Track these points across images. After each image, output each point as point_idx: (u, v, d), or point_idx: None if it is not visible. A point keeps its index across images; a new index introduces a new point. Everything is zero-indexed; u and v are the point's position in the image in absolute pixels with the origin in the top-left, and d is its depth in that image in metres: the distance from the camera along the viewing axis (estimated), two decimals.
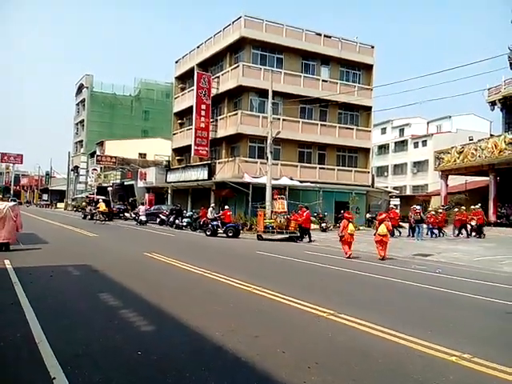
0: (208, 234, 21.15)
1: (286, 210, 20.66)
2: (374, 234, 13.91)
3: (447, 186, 32.31)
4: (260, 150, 29.54)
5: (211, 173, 31.00)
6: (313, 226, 22.90)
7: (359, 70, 33.66)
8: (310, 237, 19.25)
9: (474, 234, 22.11)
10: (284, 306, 6.72)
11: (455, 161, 29.59)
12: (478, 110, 77.02)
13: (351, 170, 32.87)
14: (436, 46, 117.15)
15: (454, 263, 13.22)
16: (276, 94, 27.94)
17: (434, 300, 7.93)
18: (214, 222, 21.37)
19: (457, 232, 22.64)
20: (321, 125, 31.67)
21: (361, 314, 6.18)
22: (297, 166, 30.72)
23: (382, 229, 13.36)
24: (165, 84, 64.16)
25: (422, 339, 5.10)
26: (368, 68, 33.69)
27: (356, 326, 5.62)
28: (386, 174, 52.91)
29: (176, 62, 39.58)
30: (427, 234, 21.92)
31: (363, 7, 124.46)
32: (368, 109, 33.37)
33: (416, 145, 49.42)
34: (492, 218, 26.88)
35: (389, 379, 4.01)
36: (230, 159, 30.08)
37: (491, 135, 31.56)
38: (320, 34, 32.08)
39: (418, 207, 21.27)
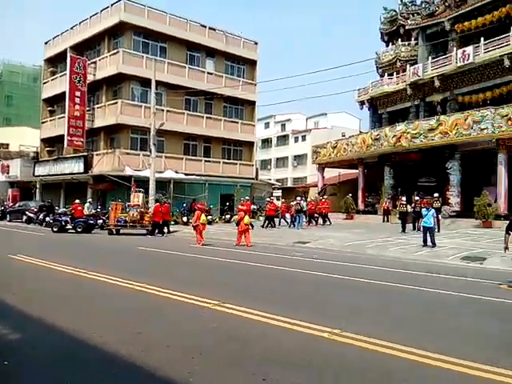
0: (55, 230, 19.66)
1: (140, 203, 20.42)
2: (237, 224, 15.35)
3: (323, 178, 34.90)
4: (143, 142, 28.34)
5: (88, 166, 28.83)
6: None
7: (244, 65, 34.32)
8: (168, 229, 19.55)
9: (322, 222, 23.60)
10: (169, 300, 6.48)
11: (330, 155, 32.07)
12: (351, 108, 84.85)
13: (236, 163, 33.48)
14: (322, 44, 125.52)
15: (329, 249, 14.33)
16: (159, 83, 27.01)
17: (310, 284, 8.45)
18: (63, 217, 20.06)
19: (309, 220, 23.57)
20: (206, 117, 31.58)
21: (245, 302, 6.23)
22: (182, 159, 30.21)
23: (247, 219, 14.90)
24: (32, 67, 57.53)
25: (300, 320, 5.30)
26: (252, 63, 34.55)
27: (240, 314, 5.64)
28: (269, 166, 55.18)
29: (46, 43, 35.76)
30: (307, 222, 23.12)
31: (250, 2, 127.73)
32: (252, 103, 34.27)
33: (296, 139, 52.44)
34: (361, 206, 29.82)
35: (266, 362, 4.05)
36: (110, 151, 28.30)
37: (360, 132, 34.88)
38: (205, 26, 31.86)
39: (298, 198, 22.51)
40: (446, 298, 7.34)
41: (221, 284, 8.20)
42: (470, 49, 26.16)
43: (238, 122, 33.48)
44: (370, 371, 3.91)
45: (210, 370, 3.85)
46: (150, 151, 23.22)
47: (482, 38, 25.61)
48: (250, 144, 34.79)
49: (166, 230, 19.38)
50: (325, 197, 27.90)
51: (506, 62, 24.11)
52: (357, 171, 31.73)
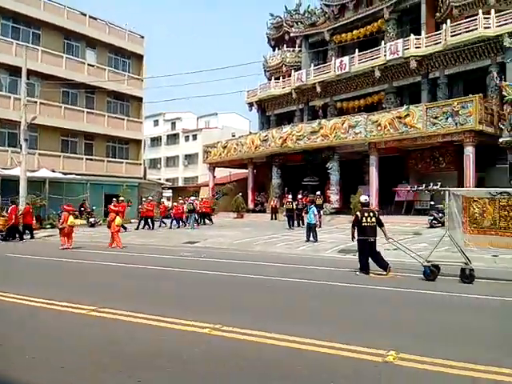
0: None
1: None
2: (109, 227, 14.92)
3: (214, 177, 34.95)
4: (12, 137, 25.23)
5: None
6: (79, 221, 21.01)
7: (129, 59, 32.69)
8: (31, 234, 18.11)
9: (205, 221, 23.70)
10: (43, 310, 5.83)
11: (221, 154, 32.21)
12: (242, 109, 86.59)
13: (122, 162, 31.77)
14: (217, 44, 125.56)
15: (218, 247, 14.26)
16: (32, 73, 24.33)
17: (196, 281, 8.26)
18: None
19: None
20: (87, 112, 29.35)
21: (124, 305, 5.91)
22: (59, 157, 27.65)
23: (118, 220, 14.70)
24: None
25: (174, 318, 5.25)
26: (139, 58, 33.07)
27: (118, 318, 5.38)
28: (159, 166, 53.62)
29: None
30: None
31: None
32: (139, 99, 32.82)
33: (187, 138, 51.79)
34: (251, 205, 30.51)
35: (135, 361, 3.97)
36: None
37: (250, 132, 35.68)
38: (85, 15, 29.61)
39: (193, 198, 22.09)
40: (316, 286, 7.85)
41: (96, 287, 7.56)
42: (346, 59, 28.47)
43: (123, 119, 31.76)
44: (241, 360, 3.95)
45: (76, 378, 3.59)
46: (21, 147, 20.72)
47: (357, 50, 28.10)
48: (137, 142, 33.29)
49: (29, 234, 17.82)
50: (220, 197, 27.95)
51: (377, 73, 26.76)
52: (247, 171, 32.38)
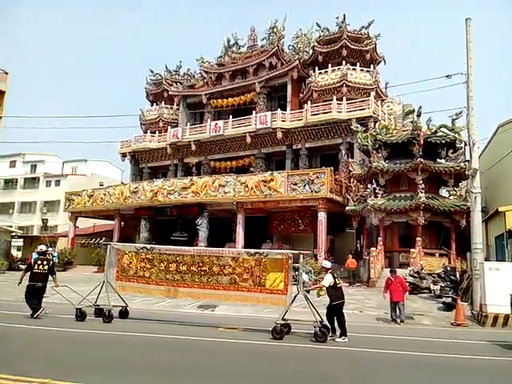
0: None
1: None
2: None
3: (76, 227, 32.40)
4: None
5: None
6: None
7: None
8: None
9: None
10: None
11: (85, 203, 30.21)
12: (115, 158, 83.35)
13: None
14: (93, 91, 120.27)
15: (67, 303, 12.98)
16: None
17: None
18: None
19: None
20: None
21: None
22: None
23: None
24: None
25: None
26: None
27: None
28: (11, 211, 47.64)
29: None
30: None
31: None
32: None
33: (49, 183, 47.50)
34: None
35: None
36: None
37: (122, 183, 34.48)
38: None
39: (51, 249, 19.96)
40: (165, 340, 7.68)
41: None
42: (221, 122, 30.22)
43: None
44: None
45: None
46: None
47: (231, 116, 30.12)
48: None
49: None
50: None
51: (248, 139, 28.87)
52: (113, 222, 30.81)
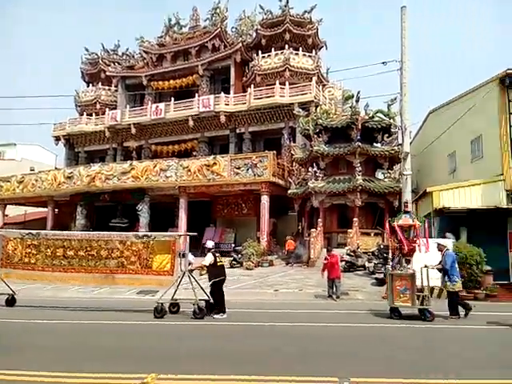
0: None
1: None
2: None
3: (5, 216, 30.29)
4: None
5: None
6: None
7: None
8: None
9: None
10: None
11: (15, 190, 28.24)
12: (47, 141, 78.51)
13: None
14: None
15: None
16: None
17: None
18: None
19: None
20: None
21: None
22: None
23: None
24: None
25: None
26: None
27: None
28: None
29: None
30: None
31: None
32: None
33: None
34: None
35: None
36: None
37: (56, 168, 32.55)
38: None
39: None
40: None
41: None
42: (162, 105, 29.35)
43: None
44: None
45: None
46: None
47: (173, 98, 29.30)
48: None
49: None
50: None
51: (191, 123, 28.32)
52: (46, 210, 29.11)
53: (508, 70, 14.49)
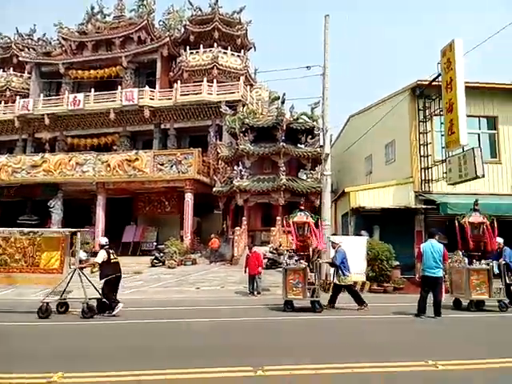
0: None
1: None
2: None
3: None
4: None
5: None
6: None
7: None
8: None
9: None
10: None
11: None
12: None
13: None
14: None
15: None
16: None
17: None
18: None
19: None
20: None
21: None
22: None
23: None
24: None
25: None
26: None
27: None
28: None
29: None
30: None
31: None
32: None
33: None
34: None
35: None
36: None
37: None
38: None
39: None
40: None
41: None
42: (81, 96, 27.56)
43: None
44: None
45: None
46: None
47: (94, 89, 27.67)
48: None
49: None
50: None
51: (112, 116, 26.93)
52: None
53: (418, 80, 15.63)
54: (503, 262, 9.31)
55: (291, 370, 4.46)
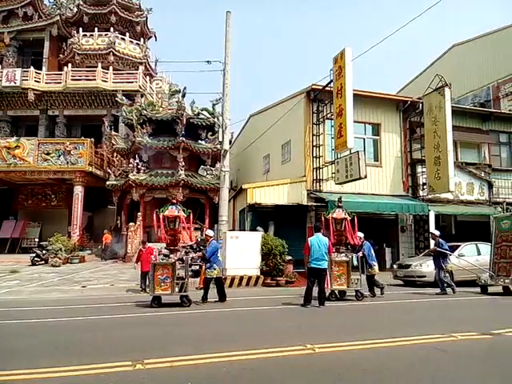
0: None
1: None
2: None
3: None
4: None
5: None
6: None
7: None
8: None
9: None
10: None
11: None
12: None
13: None
14: None
15: None
16: None
17: None
18: None
19: None
20: None
21: None
22: None
23: None
24: None
25: None
26: None
27: None
28: None
29: None
30: None
31: None
32: None
33: None
34: None
35: None
36: None
37: None
38: None
39: None
40: None
41: None
42: None
43: None
44: None
45: None
46: None
47: None
48: None
49: None
50: None
51: None
52: None
53: (313, 85, 16.51)
54: (360, 255, 10.15)
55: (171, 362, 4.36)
